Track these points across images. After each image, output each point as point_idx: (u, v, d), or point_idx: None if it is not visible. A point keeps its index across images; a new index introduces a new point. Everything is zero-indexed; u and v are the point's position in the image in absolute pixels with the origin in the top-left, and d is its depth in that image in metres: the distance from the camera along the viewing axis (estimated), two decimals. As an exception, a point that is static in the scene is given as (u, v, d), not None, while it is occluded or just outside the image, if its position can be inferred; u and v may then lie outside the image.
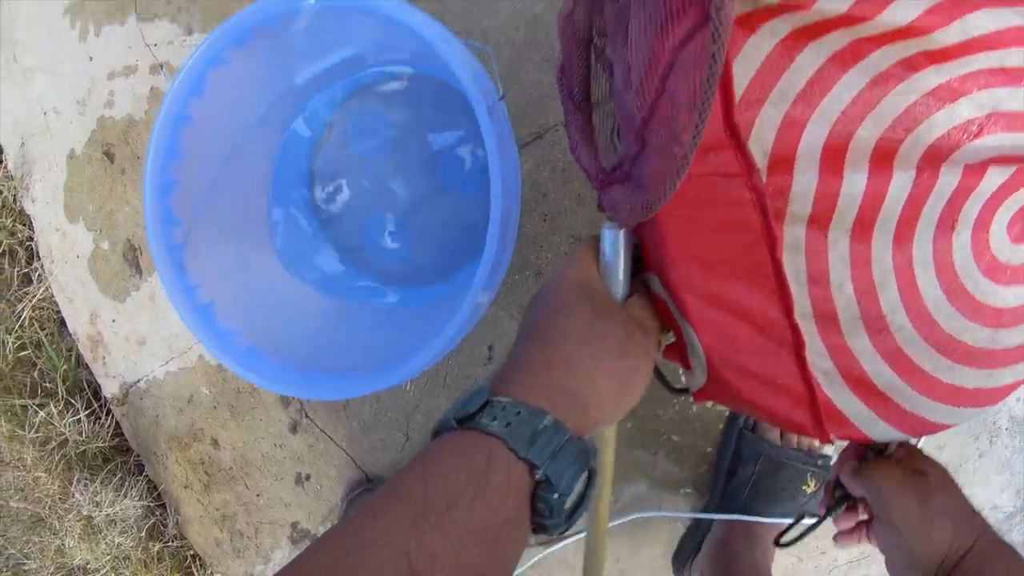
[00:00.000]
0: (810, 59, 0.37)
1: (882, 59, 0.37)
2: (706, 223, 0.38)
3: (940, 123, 0.40)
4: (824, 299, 0.40)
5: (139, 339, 0.94)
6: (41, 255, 1.09)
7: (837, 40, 0.37)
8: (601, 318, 0.36)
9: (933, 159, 0.39)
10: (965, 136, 0.41)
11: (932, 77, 0.39)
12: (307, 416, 0.87)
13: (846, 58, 0.37)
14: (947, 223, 0.40)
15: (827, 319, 0.41)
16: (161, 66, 0.89)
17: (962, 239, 0.42)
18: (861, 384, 0.44)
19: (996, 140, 0.41)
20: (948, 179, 0.40)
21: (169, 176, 0.58)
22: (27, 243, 1.19)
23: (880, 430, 0.45)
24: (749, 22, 0.37)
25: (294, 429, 0.88)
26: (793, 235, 0.38)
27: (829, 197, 0.37)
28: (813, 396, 0.43)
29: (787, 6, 0.36)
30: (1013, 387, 0.50)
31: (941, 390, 0.46)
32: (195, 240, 0.60)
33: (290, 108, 0.67)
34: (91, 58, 0.95)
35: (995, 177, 0.40)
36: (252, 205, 0.68)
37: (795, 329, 0.40)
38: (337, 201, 0.71)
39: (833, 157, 0.38)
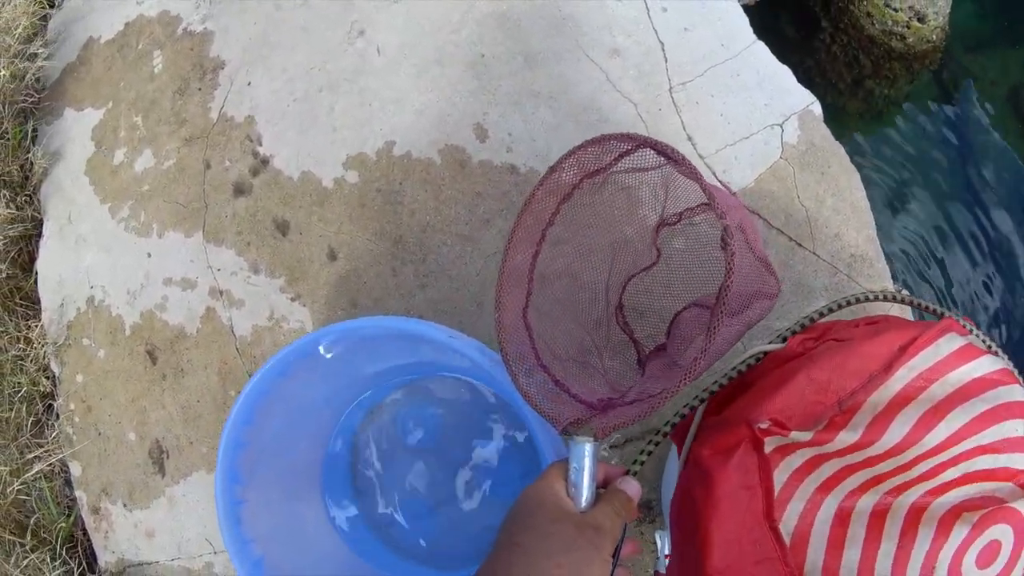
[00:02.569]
0: (829, 467, 0.50)
1: (883, 465, 0.50)
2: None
3: (918, 489, 0.50)
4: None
5: (148, 530, 0.94)
6: (60, 416, 1.11)
7: (853, 457, 0.50)
8: (552, 522, 0.43)
9: (913, 520, 0.48)
10: (936, 494, 0.50)
11: (921, 466, 0.50)
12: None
13: (857, 466, 0.50)
14: (928, 571, 0.49)
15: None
16: (221, 292, 0.90)
17: (939, 576, 0.51)
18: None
19: (962, 492, 0.50)
20: (924, 540, 0.49)
21: (241, 437, 0.65)
22: (47, 398, 1.21)
23: None
24: (786, 449, 0.50)
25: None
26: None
27: (833, 569, 0.48)
28: None
29: (816, 440, 0.49)
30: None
31: None
32: (254, 498, 0.66)
33: (357, 390, 0.74)
34: (149, 255, 0.98)
35: (961, 530, 0.49)
36: (311, 470, 0.73)
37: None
38: (373, 479, 0.76)
39: (838, 531, 0.48)
